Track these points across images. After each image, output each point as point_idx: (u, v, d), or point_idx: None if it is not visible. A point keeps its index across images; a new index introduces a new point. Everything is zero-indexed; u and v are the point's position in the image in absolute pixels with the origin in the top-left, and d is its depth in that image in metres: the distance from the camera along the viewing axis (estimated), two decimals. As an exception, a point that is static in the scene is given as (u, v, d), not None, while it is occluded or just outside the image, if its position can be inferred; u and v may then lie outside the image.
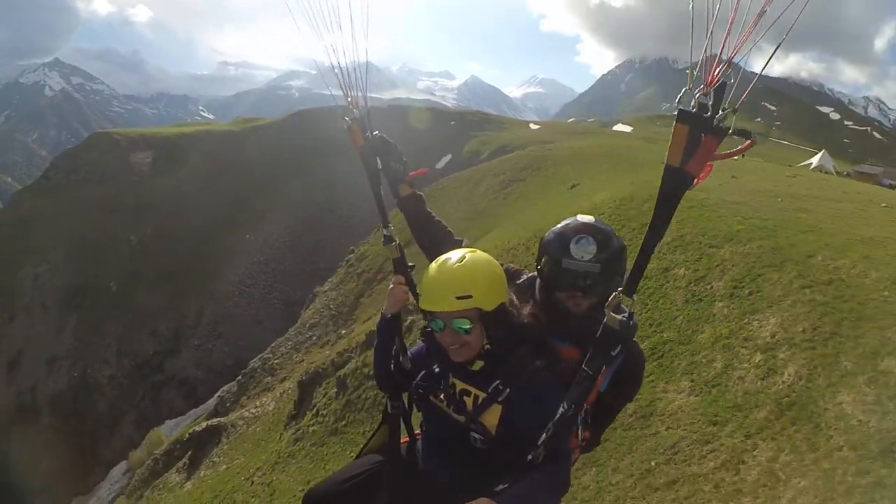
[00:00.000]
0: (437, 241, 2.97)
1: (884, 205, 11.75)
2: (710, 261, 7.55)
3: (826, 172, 41.53)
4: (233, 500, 12.18)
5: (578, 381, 2.28)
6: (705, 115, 1.86)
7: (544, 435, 2.24)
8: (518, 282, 2.76)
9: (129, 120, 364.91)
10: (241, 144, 57.46)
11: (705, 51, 1.81)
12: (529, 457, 2.27)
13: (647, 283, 7.69)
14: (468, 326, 2.32)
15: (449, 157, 50.11)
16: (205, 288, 43.29)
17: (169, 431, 28.54)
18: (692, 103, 1.88)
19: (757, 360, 5.58)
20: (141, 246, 47.96)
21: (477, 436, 2.39)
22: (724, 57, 1.81)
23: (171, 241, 47.14)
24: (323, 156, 52.82)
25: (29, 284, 48.23)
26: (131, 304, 43.79)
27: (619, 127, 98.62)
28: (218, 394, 31.62)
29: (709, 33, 1.79)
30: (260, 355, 22.11)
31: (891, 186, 40.34)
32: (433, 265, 2.45)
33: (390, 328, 2.83)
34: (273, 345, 22.26)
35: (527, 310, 2.50)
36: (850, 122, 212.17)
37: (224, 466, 13.76)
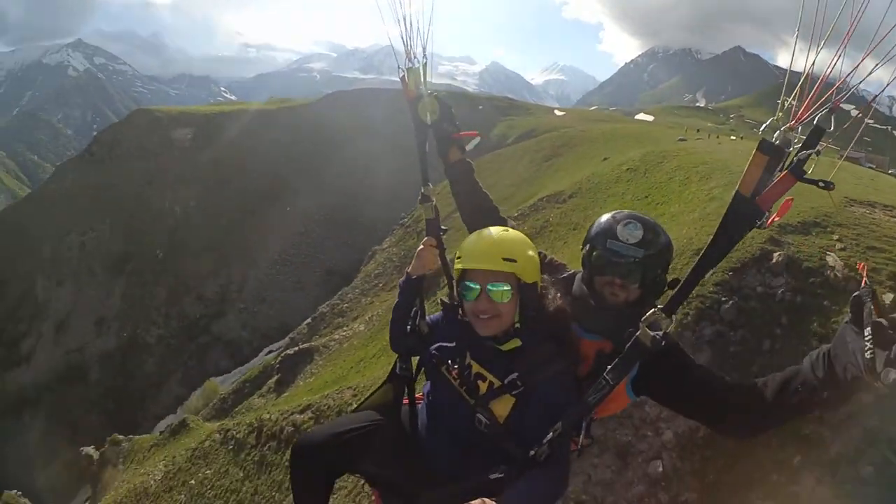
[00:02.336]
0: (481, 213, 2.88)
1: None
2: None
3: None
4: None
5: (596, 387, 2.24)
6: (787, 150, 1.81)
7: (551, 434, 2.22)
8: (559, 276, 2.73)
9: (153, 100, 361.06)
10: (276, 123, 59.02)
11: (806, 76, 1.73)
12: (532, 452, 2.25)
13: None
14: (508, 290, 2.32)
15: (478, 139, 51.17)
16: (248, 256, 45.09)
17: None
18: (776, 135, 1.82)
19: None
20: (185, 216, 49.97)
21: (483, 419, 2.35)
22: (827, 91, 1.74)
23: (214, 212, 49.03)
24: (358, 137, 54.38)
25: (76, 251, 50.61)
26: (177, 270, 45.80)
27: (640, 116, 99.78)
28: (265, 351, 33.44)
29: (818, 49, 1.67)
30: (328, 302, 23.74)
31: (870, 168, 48.52)
32: (477, 232, 2.48)
33: (413, 289, 2.77)
34: (339, 293, 23.88)
35: (558, 303, 2.48)
36: (870, 121, 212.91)
37: (329, 369, 14.99)
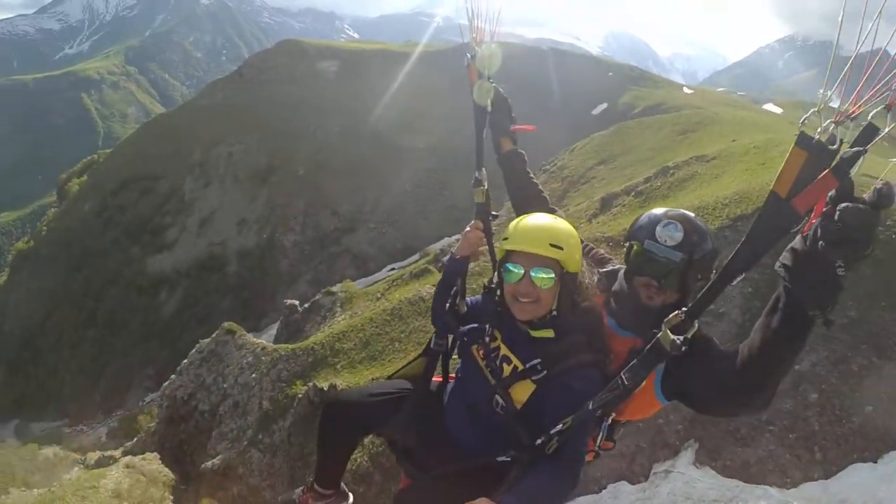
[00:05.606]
0: (531, 202, 2.96)
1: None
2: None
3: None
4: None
5: (611, 387, 2.21)
6: (831, 148, 1.60)
7: (560, 426, 2.20)
8: (602, 269, 2.75)
9: (279, 32, 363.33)
10: (414, 64, 61.41)
11: (853, 60, 1.50)
12: (539, 441, 2.25)
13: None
14: (551, 277, 2.32)
15: (605, 105, 51.86)
16: (381, 183, 48.14)
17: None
18: (818, 131, 1.62)
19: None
20: (326, 140, 53.37)
21: (501, 401, 2.41)
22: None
23: (353, 139, 52.12)
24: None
25: (223, 160, 55.36)
26: (316, 186, 49.44)
27: (768, 106, 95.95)
28: (388, 267, 36.69)
29: (863, 36, 1.44)
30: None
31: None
32: (527, 215, 2.52)
33: (456, 269, 2.86)
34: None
35: (594, 297, 2.51)
36: None
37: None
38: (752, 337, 1.99)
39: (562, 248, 2.31)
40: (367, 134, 52.65)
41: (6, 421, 43.49)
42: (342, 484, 3.17)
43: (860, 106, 1.54)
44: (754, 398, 2.05)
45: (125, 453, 13.59)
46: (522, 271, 2.34)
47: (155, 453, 11.84)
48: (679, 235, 2.31)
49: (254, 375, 12.39)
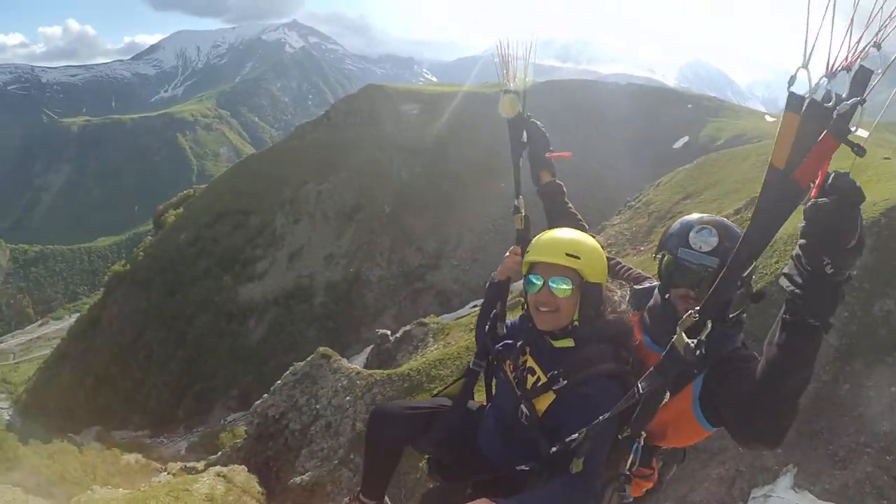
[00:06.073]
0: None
1: None
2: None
3: None
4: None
5: (627, 397, 2.13)
6: (826, 105, 1.42)
7: (576, 436, 2.17)
8: (637, 287, 2.72)
9: (361, 77, 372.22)
10: (494, 104, 62.02)
11: (826, 12, 1.28)
12: (553, 449, 2.25)
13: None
14: (567, 287, 2.34)
15: (686, 138, 50.37)
16: (464, 221, 49.07)
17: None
18: (811, 87, 1.44)
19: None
20: (410, 180, 55.17)
21: (525, 411, 2.42)
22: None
23: (436, 179, 53.59)
24: (575, 124, 54.21)
25: (313, 197, 57.81)
26: (401, 224, 50.97)
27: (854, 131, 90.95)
28: (471, 304, 36.80)
29: None
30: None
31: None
32: (548, 231, 2.57)
33: (496, 293, 2.97)
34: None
35: (622, 311, 2.49)
36: None
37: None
38: (763, 354, 1.87)
39: (578, 258, 2.34)
40: (448, 173, 53.88)
41: (88, 427, 45.92)
42: (385, 497, 3.25)
43: (854, 52, 1.37)
44: (765, 425, 1.88)
45: (208, 465, 13.96)
46: (542, 282, 2.38)
47: (242, 466, 12.16)
48: (714, 240, 2.22)
49: (348, 398, 12.69)
